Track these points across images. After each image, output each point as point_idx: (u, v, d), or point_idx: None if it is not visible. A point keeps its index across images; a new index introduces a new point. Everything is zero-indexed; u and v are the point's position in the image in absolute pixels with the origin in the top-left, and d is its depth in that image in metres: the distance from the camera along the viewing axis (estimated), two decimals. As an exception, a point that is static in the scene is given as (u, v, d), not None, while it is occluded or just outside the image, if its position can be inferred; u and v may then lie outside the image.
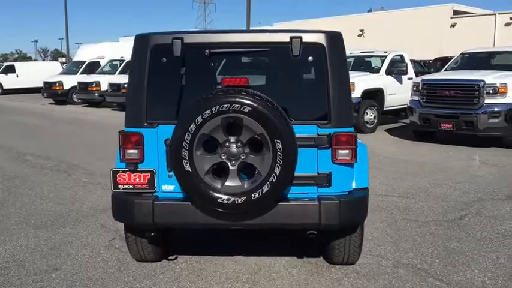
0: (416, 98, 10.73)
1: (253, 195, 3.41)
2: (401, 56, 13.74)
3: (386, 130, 13.02)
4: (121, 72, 19.90)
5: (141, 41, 3.77)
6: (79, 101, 21.51)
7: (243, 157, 3.45)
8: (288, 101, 3.63)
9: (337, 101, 3.64)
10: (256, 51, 3.73)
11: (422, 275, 4.11)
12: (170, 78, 3.81)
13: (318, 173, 3.65)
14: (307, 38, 3.63)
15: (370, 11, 45.95)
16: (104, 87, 19.53)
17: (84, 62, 22.93)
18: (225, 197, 3.42)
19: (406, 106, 11.63)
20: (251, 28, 27.33)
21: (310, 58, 3.66)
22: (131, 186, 3.73)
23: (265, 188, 3.40)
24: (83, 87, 20.55)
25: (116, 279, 4.09)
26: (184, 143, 3.38)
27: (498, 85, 9.61)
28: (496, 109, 9.60)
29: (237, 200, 3.42)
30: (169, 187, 3.76)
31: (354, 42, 29.83)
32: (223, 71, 3.81)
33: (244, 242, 4.82)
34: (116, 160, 3.95)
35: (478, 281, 3.98)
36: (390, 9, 42.83)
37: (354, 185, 3.76)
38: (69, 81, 21.64)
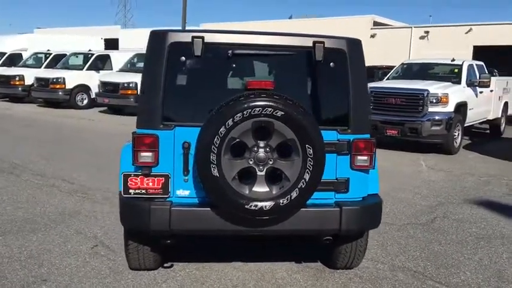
0: None
1: (281, 201, 3.34)
2: (481, 65, 12.55)
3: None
4: (48, 66, 18.78)
5: (158, 37, 3.57)
6: (-1, 95, 20.00)
7: (270, 162, 3.37)
8: (309, 105, 3.60)
9: (357, 107, 3.67)
10: (279, 54, 3.66)
11: (421, 278, 4.25)
12: (189, 78, 3.64)
13: (336, 179, 3.66)
14: (329, 43, 3.63)
15: (290, 17, 47.00)
16: (29, 81, 18.32)
17: (5, 53, 21.33)
18: (252, 203, 3.32)
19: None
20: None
21: (332, 64, 3.65)
22: (143, 191, 3.52)
23: (294, 194, 3.35)
24: (3, 80, 19.08)
25: (116, 289, 3.84)
26: (213, 146, 3.24)
27: (440, 95, 10.21)
28: (437, 117, 10.19)
29: (265, 206, 3.33)
30: (184, 192, 3.59)
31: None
32: (244, 72, 3.71)
33: (238, 248, 4.72)
34: (123, 162, 3.72)
35: (474, 282, 4.19)
36: (313, 17, 44.16)
37: (367, 191, 3.82)
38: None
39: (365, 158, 3.65)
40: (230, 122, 3.23)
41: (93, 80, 17.41)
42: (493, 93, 12.86)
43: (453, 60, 12.03)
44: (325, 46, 3.60)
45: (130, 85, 15.69)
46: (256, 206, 3.32)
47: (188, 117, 3.57)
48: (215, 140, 3.24)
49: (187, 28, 23.96)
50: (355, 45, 3.70)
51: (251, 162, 3.36)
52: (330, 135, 3.60)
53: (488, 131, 14.37)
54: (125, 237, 3.94)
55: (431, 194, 7.18)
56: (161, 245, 3.87)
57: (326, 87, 3.77)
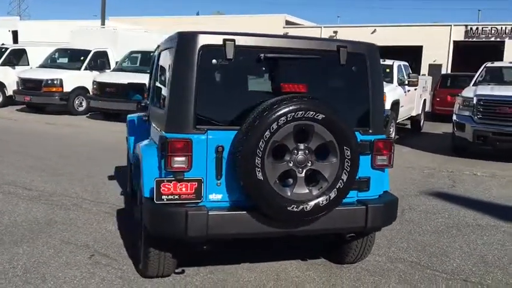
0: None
1: (321, 201, 3.44)
2: (407, 65, 13.22)
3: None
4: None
5: (188, 40, 3.49)
6: None
7: (309, 164, 3.45)
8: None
9: (376, 108, 3.86)
10: (306, 58, 3.73)
11: (419, 267, 4.54)
12: (220, 81, 3.60)
13: (359, 178, 3.81)
14: (350, 48, 3.78)
15: (198, 14, 46.87)
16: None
17: None
18: (294, 204, 3.38)
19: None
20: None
21: (354, 67, 3.81)
22: (176, 197, 3.43)
23: (333, 195, 3.46)
24: None
25: (139, 299, 3.71)
26: (258, 150, 3.26)
27: None
28: None
29: (306, 208, 3.41)
30: (216, 196, 3.55)
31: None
32: (273, 76, 3.72)
33: (240, 248, 4.71)
34: (147, 167, 3.60)
35: (466, 269, 4.55)
36: (227, 14, 44.49)
37: (383, 188, 4.02)
38: None
39: (385, 157, 3.84)
40: (275, 125, 3.26)
41: (8, 76, 16.18)
42: (416, 92, 13.85)
43: (384, 60, 12.74)
44: (348, 51, 3.74)
45: (55, 82, 14.82)
46: (298, 207, 3.39)
47: (220, 121, 3.54)
48: (260, 144, 3.25)
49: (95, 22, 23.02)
50: (373, 49, 3.88)
51: (291, 165, 3.42)
52: None
53: (409, 127, 15.43)
54: (145, 244, 3.81)
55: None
56: (182, 251, 3.79)
57: (349, 90, 3.93)
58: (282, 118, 3.26)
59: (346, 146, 3.43)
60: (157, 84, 4.53)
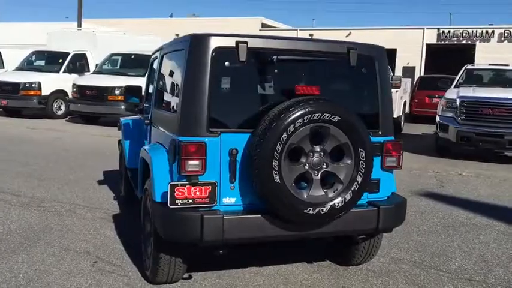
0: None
1: (336, 203, 3.43)
2: (388, 68, 12.94)
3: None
4: None
5: (200, 42, 3.44)
6: None
7: (324, 166, 3.44)
8: None
9: (385, 110, 3.88)
10: (317, 60, 3.73)
11: (423, 267, 4.59)
12: (233, 83, 3.56)
13: (370, 180, 3.82)
14: (360, 50, 3.79)
15: (171, 16, 46.49)
16: None
17: None
18: (310, 207, 3.37)
19: None
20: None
21: (363, 69, 3.83)
22: (190, 201, 3.37)
23: (348, 197, 3.46)
24: None
25: (151, 306, 3.63)
26: (275, 153, 3.23)
27: None
28: None
29: (322, 210, 3.40)
30: (230, 200, 3.51)
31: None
32: (285, 78, 3.70)
33: (243, 252, 4.67)
34: (157, 171, 3.54)
35: (469, 268, 4.62)
36: (202, 17, 44.25)
37: (391, 189, 4.05)
38: None
39: (394, 158, 3.87)
40: (292, 128, 3.24)
41: (-18, 80, 15.75)
42: (398, 93, 14.03)
43: None
44: (357, 53, 3.76)
45: (33, 85, 14.50)
46: (314, 210, 3.38)
47: (233, 124, 3.50)
48: (277, 147, 3.23)
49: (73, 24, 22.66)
50: (381, 52, 3.91)
51: (307, 167, 3.40)
52: None
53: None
54: (155, 250, 3.73)
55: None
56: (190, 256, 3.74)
57: (358, 92, 3.94)
58: (299, 120, 3.25)
59: (361, 148, 3.44)
60: (163, 87, 4.45)
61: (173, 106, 3.85)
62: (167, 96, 4.26)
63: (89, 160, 9.09)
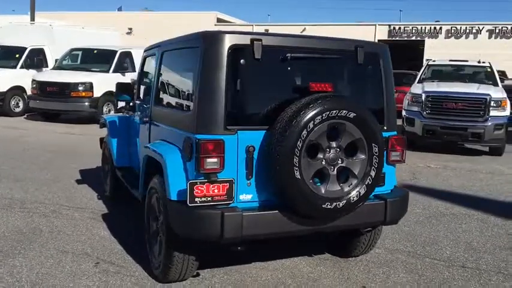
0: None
1: (352, 198, 3.53)
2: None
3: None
4: None
5: (216, 40, 3.44)
6: None
7: (340, 162, 3.52)
8: None
9: (390, 106, 4.01)
10: (330, 57, 3.81)
11: (418, 257, 4.77)
12: (248, 81, 3.58)
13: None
14: (366, 47, 3.89)
15: (120, 9, 45.39)
16: None
17: None
18: (328, 202, 3.45)
19: None
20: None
21: (370, 66, 3.94)
22: (209, 199, 3.37)
23: (362, 191, 3.56)
24: None
25: (166, 305, 3.61)
26: (296, 149, 3.28)
27: (501, 99, 10.52)
28: (499, 122, 10.39)
29: (339, 204, 3.48)
30: (247, 196, 3.54)
31: (126, 40, 30.09)
32: (298, 75, 3.75)
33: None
34: (171, 170, 3.52)
35: (460, 256, 4.84)
36: (155, 11, 43.59)
37: (394, 183, 4.19)
38: None
39: (399, 153, 4.00)
40: (311, 124, 3.30)
41: None
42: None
43: None
44: (364, 50, 3.86)
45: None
46: (331, 204, 3.46)
47: (249, 121, 3.53)
48: (298, 143, 3.28)
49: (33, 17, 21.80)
50: (386, 49, 4.03)
51: (324, 163, 3.48)
52: None
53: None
54: (167, 248, 3.71)
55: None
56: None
57: (365, 88, 4.05)
58: (318, 117, 3.31)
59: (374, 143, 3.55)
60: (167, 84, 4.39)
61: (185, 104, 3.82)
62: (174, 94, 4.22)
63: (59, 159, 8.83)
